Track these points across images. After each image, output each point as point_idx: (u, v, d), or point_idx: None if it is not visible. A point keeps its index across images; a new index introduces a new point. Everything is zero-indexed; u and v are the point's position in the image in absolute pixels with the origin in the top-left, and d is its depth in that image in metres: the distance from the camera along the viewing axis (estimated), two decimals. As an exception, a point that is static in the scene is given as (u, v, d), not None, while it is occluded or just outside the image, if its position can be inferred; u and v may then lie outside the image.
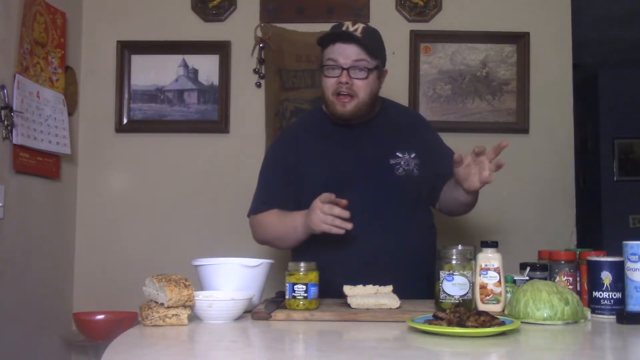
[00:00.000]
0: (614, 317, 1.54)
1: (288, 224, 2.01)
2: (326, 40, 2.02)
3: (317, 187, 1.99)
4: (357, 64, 1.97)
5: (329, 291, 1.74)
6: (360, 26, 2.00)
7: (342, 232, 1.82)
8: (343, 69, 1.97)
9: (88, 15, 3.02)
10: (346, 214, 1.82)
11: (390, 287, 1.71)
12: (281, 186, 2.08)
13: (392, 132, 2.11)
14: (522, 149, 2.93)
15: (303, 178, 2.06)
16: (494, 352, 1.23)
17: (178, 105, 2.98)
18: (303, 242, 1.99)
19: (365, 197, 2.00)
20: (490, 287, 1.59)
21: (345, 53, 1.97)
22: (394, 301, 1.64)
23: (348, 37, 1.97)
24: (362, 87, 1.99)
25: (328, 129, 2.10)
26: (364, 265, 1.93)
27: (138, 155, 2.99)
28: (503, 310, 1.57)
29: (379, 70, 2.04)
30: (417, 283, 1.88)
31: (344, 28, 2.00)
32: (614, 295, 1.57)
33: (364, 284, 1.70)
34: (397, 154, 2.05)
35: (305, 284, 1.59)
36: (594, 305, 1.59)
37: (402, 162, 2.05)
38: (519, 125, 2.92)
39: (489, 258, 1.60)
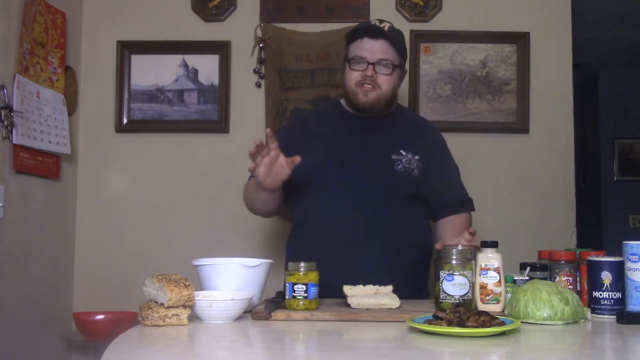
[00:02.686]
0: (614, 317, 1.54)
1: (253, 183, 2.01)
2: (354, 35, 2.05)
3: (314, 167, 2.01)
4: (383, 60, 2.01)
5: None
6: (387, 24, 2.05)
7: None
8: (369, 63, 2.00)
9: (88, 15, 3.02)
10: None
11: (390, 287, 1.70)
12: None
13: (401, 132, 2.13)
14: (522, 149, 2.94)
15: (303, 158, 2.05)
16: (494, 352, 1.23)
17: (178, 105, 2.98)
18: (274, 212, 2.12)
19: (361, 184, 2.01)
20: (490, 287, 1.59)
21: (373, 49, 2.01)
22: (394, 301, 1.63)
23: (377, 33, 2.01)
24: (386, 81, 2.03)
25: (340, 116, 2.13)
26: (353, 256, 1.94)
27: (138, 155, 2.99)
28: (503, 310, 1.57)
29: (402, 69, 2.09)
30: (404, 280, 1.84)
31: (372, 24, 2.04)
32: (614, 295, 1.57)
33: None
34: (401, 151, 2.06)
35: (305, 284, 1.59)
36: (594, 305, 1.59)
37: (404, 160, 2.06)
38: (519, 125, 2.92)
39: (489, 258, 1.60)
